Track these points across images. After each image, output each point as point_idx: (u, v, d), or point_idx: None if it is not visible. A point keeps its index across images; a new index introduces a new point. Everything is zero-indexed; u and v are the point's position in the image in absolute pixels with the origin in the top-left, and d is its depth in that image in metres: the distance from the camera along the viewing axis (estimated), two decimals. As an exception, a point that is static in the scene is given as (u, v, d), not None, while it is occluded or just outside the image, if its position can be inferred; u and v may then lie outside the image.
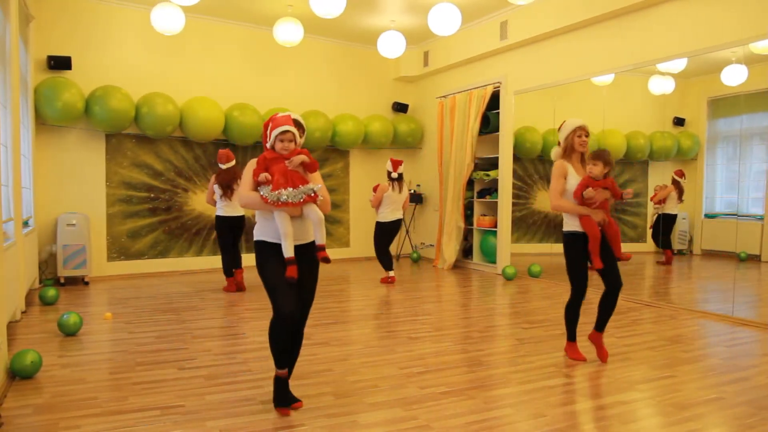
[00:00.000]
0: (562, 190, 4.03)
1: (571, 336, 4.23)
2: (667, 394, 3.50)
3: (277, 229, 3.09)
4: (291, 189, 3.04)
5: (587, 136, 4.03)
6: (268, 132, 3.16)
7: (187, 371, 3.86)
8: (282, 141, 3.11)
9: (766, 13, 5.08)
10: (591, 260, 3.98)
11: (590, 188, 3.90)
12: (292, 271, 3.04)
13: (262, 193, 3.04)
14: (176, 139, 8.11)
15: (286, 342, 3.09)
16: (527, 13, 7.48)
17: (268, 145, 3.17)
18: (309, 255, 3.20)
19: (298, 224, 3.13)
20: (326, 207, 3.20)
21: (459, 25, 6.78)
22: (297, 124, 3.32)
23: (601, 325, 4.14)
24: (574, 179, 4.01)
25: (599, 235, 3.94)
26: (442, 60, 9.23)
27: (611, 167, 3.95)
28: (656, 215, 7.42)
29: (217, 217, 6.76)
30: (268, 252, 3.14)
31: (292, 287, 3.09)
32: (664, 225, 7.40)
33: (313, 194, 3.08)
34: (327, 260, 3.16)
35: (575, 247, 4.05)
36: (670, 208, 7.29)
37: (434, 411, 3.19)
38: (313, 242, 3.22)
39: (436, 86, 9.69)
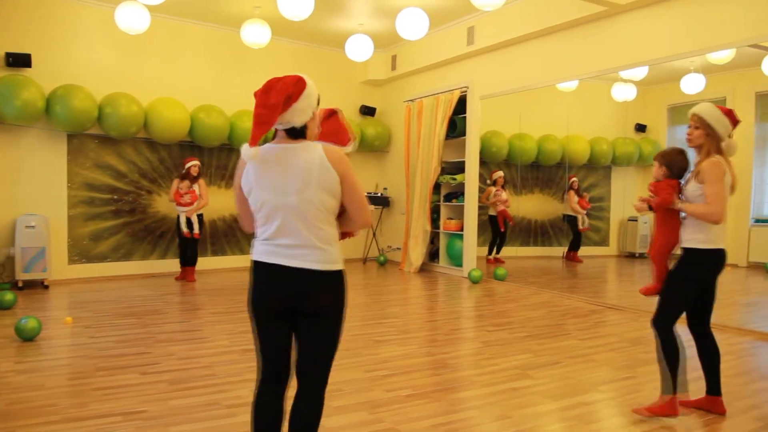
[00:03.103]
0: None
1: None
2: (627, 394, 3.59)
3: None
4: None
5: (696, 126, 3.12)
6: None
7: (149, 376, 3.80)
8: None
9: (723, 25, 5.25)
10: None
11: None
12: None
13: None
14: (140, 140, 7.96)
15: None
16: (494, 19, 7.58)
17: None
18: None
19: None
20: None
21: (426, 29, 6.82)
22: None
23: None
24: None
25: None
26: (410, 64, 9.28)
27: (670, 169, 3.23)
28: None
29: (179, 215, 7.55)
30: None
31: None
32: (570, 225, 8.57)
33: None
34: None
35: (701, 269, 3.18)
36: (568, 210, 8.48)
37: (400, 414, 3.21)
38: None
39: (403, 90, 9.73)
